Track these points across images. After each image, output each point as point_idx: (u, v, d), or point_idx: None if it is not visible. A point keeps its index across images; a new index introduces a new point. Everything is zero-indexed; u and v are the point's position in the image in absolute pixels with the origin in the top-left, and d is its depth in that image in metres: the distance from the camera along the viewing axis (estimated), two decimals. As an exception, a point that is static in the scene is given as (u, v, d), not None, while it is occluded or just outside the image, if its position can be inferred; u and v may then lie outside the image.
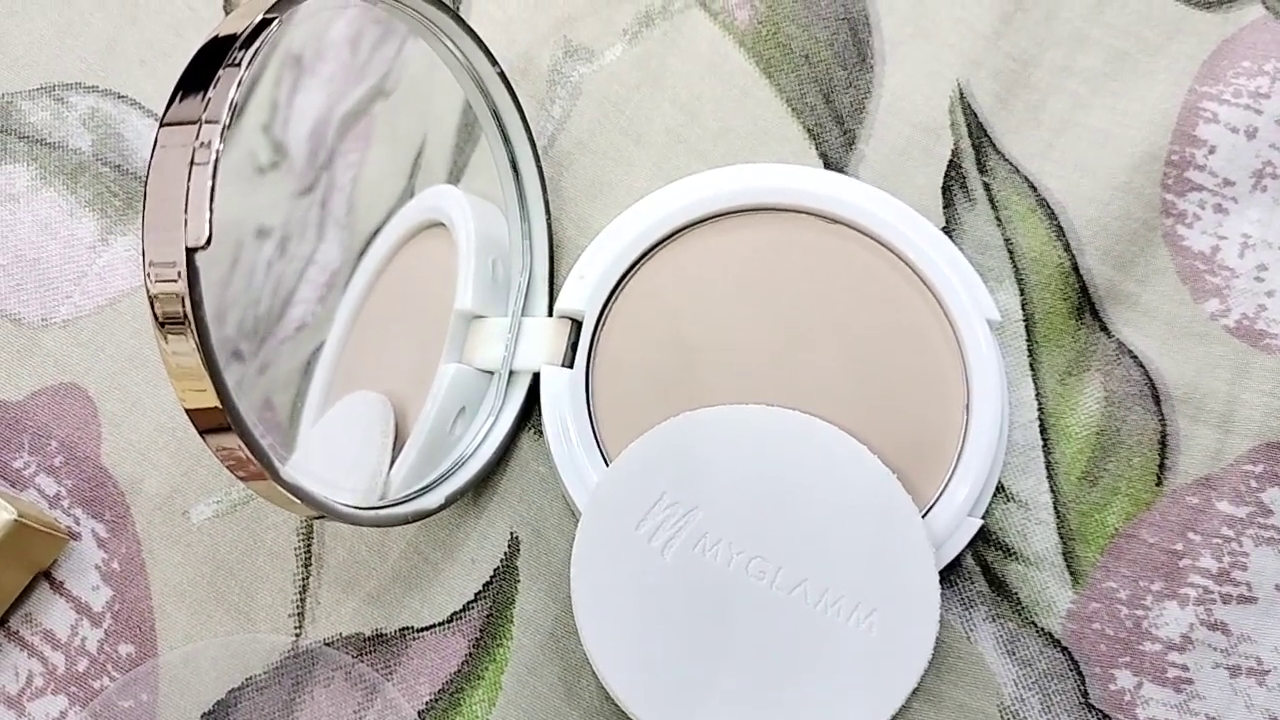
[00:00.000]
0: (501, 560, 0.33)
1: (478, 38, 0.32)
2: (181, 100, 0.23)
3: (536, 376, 0.33)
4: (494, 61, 0.32)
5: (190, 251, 0.22)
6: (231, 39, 0.24)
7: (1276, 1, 0.37)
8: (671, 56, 0.37)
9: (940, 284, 0.33)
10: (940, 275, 0.33)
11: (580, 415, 0.33)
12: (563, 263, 0.36)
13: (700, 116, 0.37)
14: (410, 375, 0.34)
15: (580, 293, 0.34)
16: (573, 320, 0.34)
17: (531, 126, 0.34)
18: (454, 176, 0.35)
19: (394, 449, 0.32)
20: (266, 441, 0.25)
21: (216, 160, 0.22)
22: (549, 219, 0.35)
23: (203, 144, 0.23)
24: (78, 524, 0.33)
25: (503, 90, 0.33)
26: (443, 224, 0.34)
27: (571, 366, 0.33)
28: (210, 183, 0.22)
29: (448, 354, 0.33)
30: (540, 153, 0.35)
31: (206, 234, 0.22)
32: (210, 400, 0.23)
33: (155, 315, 0.22)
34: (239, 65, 0.24)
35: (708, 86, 0.37)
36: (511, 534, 0.33)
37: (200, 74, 0.24)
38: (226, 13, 0.38)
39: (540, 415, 0.33)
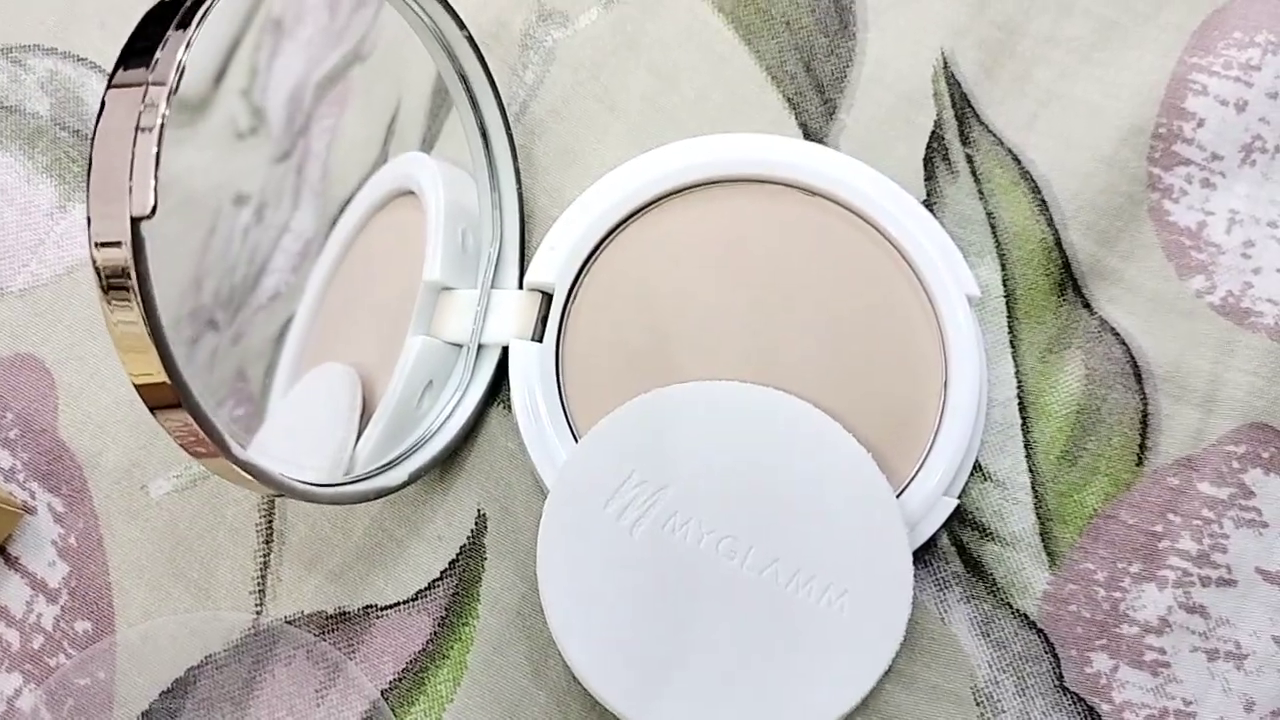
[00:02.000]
0: (468, 538, 0.32)
1: (444, 2, 0.31)
2: (128, 64, 0.23)
3: (506, 350, 0.33)
4: (461, 25, 0.31)
5: (135, 221, 0.21)
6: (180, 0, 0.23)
7: (1270, -30, 0.36)
8: (648, 21, 0.36)
9: (920, 259, 0.32)
10: (920, 250, 0.32)
11: (549, 390, 0.32)
12: (535, 233, 0.35)
13: (677, 84, 0.36)
14: (378, 347, 0.33)
15: (551, 265, 0.33)
16: (543, 293, 0.33)
17: (503, 93, 0.33)
18: (427, 144, 0.34)
19: (360, 422, 0.32)
20: (226, 414, 0.24)
21: (162, 126, 0.22)
22: (520, 188, 0.34)
23: (148, 107, 0.22)
24: (34, 498, 0.32)
25: (471, 56, 0.32)
26: (413, 192, 0.34)
27: (541, 340, 0.32)
28: (155, 149, 0.21)
29: (415, 326, 0.33)
30: (512, 120, 0.34)
31: (151, 203, 0.21)
32: (158, 375, 0.23)
33: (101, 286, 0.22)
34: (186, 27, 0.23)
35: (685, 53, 0.36)
36: (479, 511, 0.32)
37: (147, 36, 0.23)
38: None
39: (509, 390, 0.32)
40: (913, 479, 0.31)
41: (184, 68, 0.22)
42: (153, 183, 0.21)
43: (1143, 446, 0.32)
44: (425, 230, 0.33)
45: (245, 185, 0.30)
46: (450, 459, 0.33)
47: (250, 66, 0.29)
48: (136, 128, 0.22)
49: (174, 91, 0.22)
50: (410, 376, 0.32)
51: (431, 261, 0.33)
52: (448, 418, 0.33)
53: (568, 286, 0.33)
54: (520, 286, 0.34)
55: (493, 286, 0.34)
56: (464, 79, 0.32)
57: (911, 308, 0.32)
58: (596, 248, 0.33)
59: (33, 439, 0.33)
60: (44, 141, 0.35)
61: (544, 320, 0.33)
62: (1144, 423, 0.33)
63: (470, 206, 0.34)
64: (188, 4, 0.23)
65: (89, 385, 0.33)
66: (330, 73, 0.31)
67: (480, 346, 0.33)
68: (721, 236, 0.33)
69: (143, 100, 0.22)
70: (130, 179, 0.22)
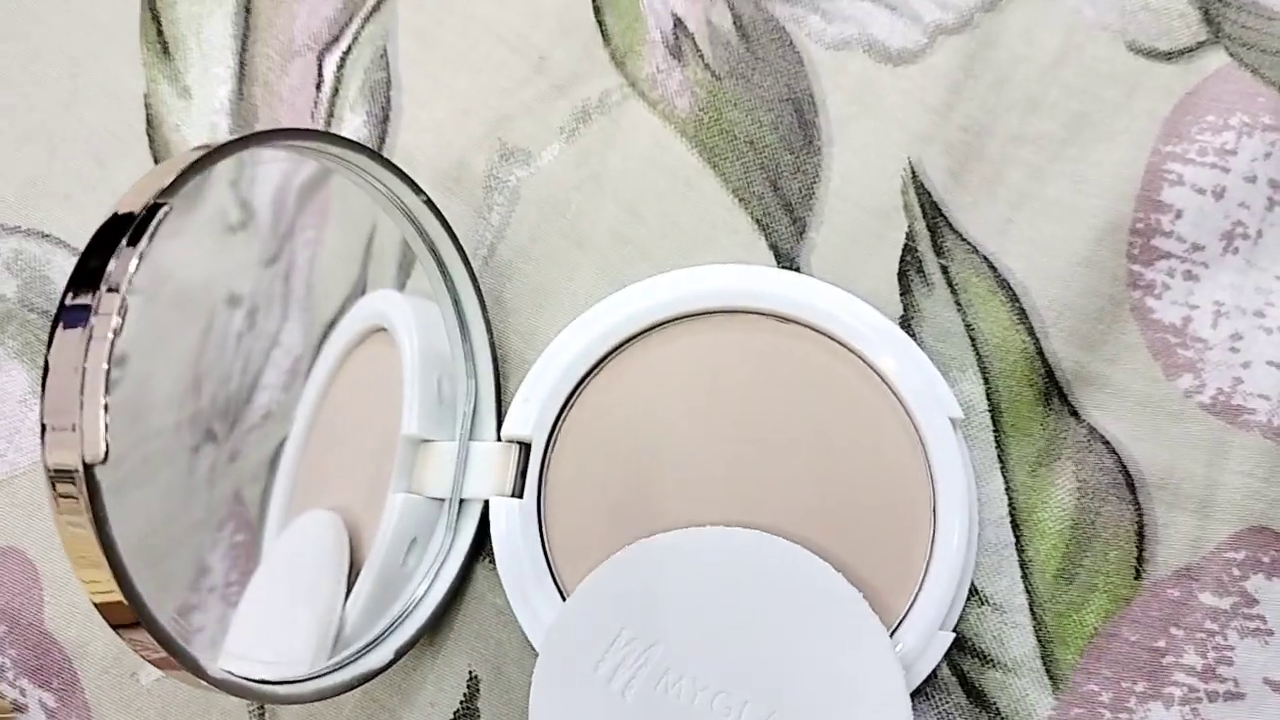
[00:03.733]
0: (461, 702, 0.32)
1: (398, 171, 0.30)
2: (78, 288, 0.22)
3: (489, 504, 0.32)
4: (418, 190, 0.31)
5: (88, 467, 0.21)
6: (129, 218, 0.23)
7: (1241, 48, 0.35)
8: (611, 152, 0.36)
9: (900, 384, 0.32)
10: (899, 374, 0.32)
11: (533, 547, 0.32)
12: (510, 378, 0.34)
13: (644, 214, 0.35)
14: (362, 497, 0.33)
15: (526, 417, 0.32)
16: (521, 444, 0.33)
17: (470, 236, 0.33)
18: (401, 273, 0.34)
19: (349, 579, 0.31)
20: (226, 541, 0.24)
21: (109, 370, 0.21)
22: (491, 338, 0.34)
23: (96, 340, 0.22)
24: (24, 695, 0.32)
25: (432, 218, 0.32)
26: (386, 330, 0.34)
27: (521, 496, 0.32)
28: (104, 395, 0.21)
29: (397, 481, 0.33)
30: (480, 264, 0.34)
31: (103, 449, 0.21)
32: (114, 593, 0.22)
33: (56, 507, 0.21)
34: (137, 242, 0.23)
35: (650, 181, 0.36)
36: (470, 673, 0.32)
37: (99, 254, 0.22)
38: (150, 137, 0.37)
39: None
40: (907, 614, 0.30)
41: (127, 308, 0.22)
42: (103, 429, 0.21)
43: (1140, 559, 0.32)
44: (401, 375, 0.33)
45: (237, 285, 0.30)
46: (438, 620, 0.32)
47: (238, 158, 0.29)
48: (83, 371, 0.21)
49: (118, 332, 0.21)
50: (394, 535, 0.32)
51: (409, 415, 0.32)
52: (433, 580, 0.32)
53: (545, 437, 0.32)
54: (499, 437, 0.33)
55: (471, 438, 0.33)
56: (425, 237, 0.32)
57: (895, 433, 0.32)
58: (571, 394, 0.33)
59: (20, 634, 0.33)
60: (13, 326, 0.35)
61: (523, 473, 0.32)
62: (1140, 534, 0.32)
63: (445, 351, 0.34)
64: (140, 217, 0.23)
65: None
66: (310, 178, 0.31)
67: (462, 501, 0.33)
68: (698, 371, 0.33)
69: (87, 342, 0.22)
70: (80, 422, 0.21)
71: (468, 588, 0.33)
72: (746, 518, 0.31)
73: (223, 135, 0.37)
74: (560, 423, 0.33)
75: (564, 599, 0.31)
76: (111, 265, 0.22)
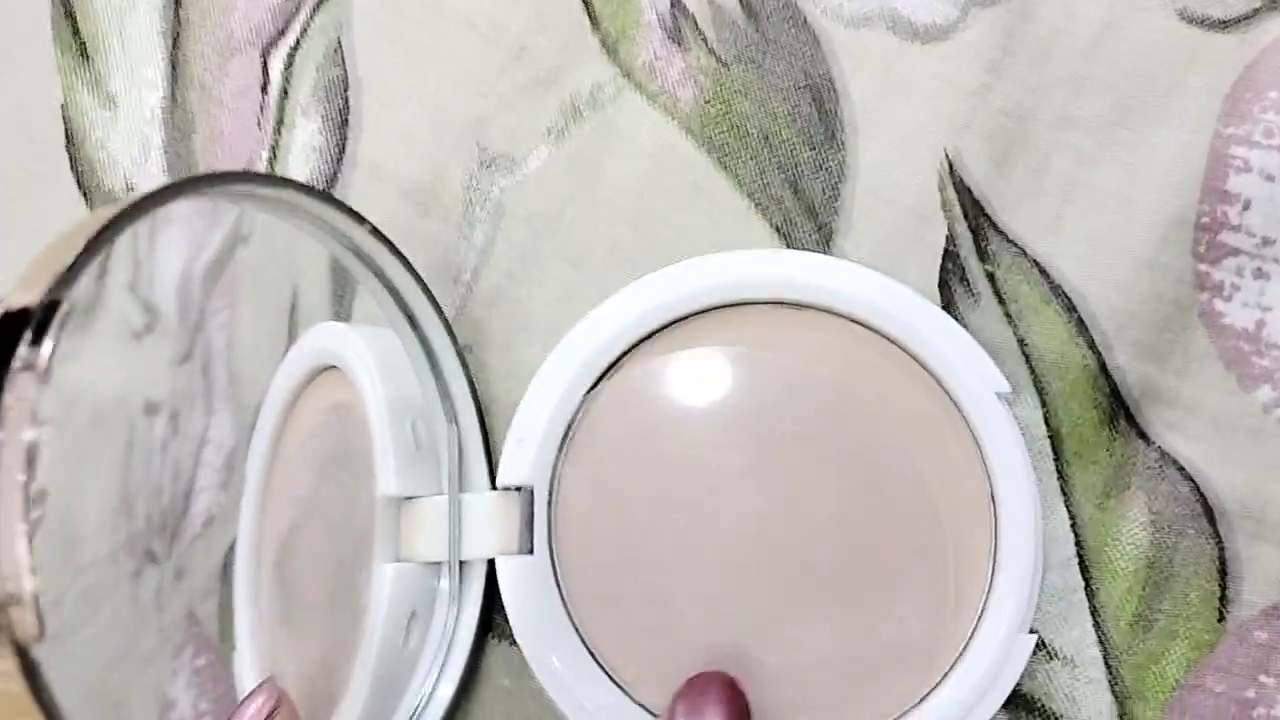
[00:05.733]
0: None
1: (333, 199, 0.26)
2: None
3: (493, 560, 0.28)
4: (361, 220, 0.26)
5: (20, 650, 0.17)
6: (23, 317, 0.18)
7: (1301, 10, 0.31)
8: (608, 156, 0.31)
9: (938, 365, 0.28)
10: (937, 355, 0.28)
11: (553, 608, 0.28)
12: (500, 417, 0.30)
13: (647, 226, 0.31)
14: (345, 578, 0.29)
15: (522, 460, 0.28)
16: (521, 491, 0.28)
17: (451, 258, 0.29)
18: (343, 312, 0.30)
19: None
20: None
21: (30, 525, 0.17)
22: (469, 375, 0.29)
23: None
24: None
25: (382, 249, 0.27)
26: (336, 367, 0.30)
27: (531, 551, 0.28)
28: (27, 565, 0.17)
29: (383, 549, 0.29)
30: (465, 290, 0.30)
31: (37, 628, 0.17)
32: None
33: None
34: (39, 341, 0.18)
35: (653, 188, 0.31)
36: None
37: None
38: (71, 156, 0.32)
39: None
40: (981, 617, 0.27)
41: (37, 445, 0.17)
42: (34, 606, 0.17)
43: (1223, 599, 0.28)
44: (367, 423, 0.29)
45: (153, 392, 0.27)
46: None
47: (132, 258, 0.27)
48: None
49: (29, 484, 0.17)
50: (389, 612, 0.28)
51: (385, 471, 0.29)
52: (445, 661, 0.28)
53: (547, 480, 0.28)
54: (493, 485, 0.29)
55: (462, 490, 0.29)
56: (380, 275, 0.28)
57: (939, 422, 0.28)
58: (570, 426, 0.29)
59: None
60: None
61: (529, 524, 0.28)
62: (1222, 570, 0.29)
63: (414, 391, 0.29)
64: (37, 317, 0.18)
65: None
66: (215, 258, 0.28)
67: (462, 563, 0.29)
68: (712, 381, 0.29)
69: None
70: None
71: (483, 663, 0.29)
72: (787, 543, 0.28)
73: (155, 149, 0.32)
74: (561, 461, 0.28)
75: (598, 664, 0.27)
76: (7, 399, 0.17)
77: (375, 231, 0.27)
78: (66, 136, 0.32)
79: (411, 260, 0.28)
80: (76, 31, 0.33)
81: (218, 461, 0.28)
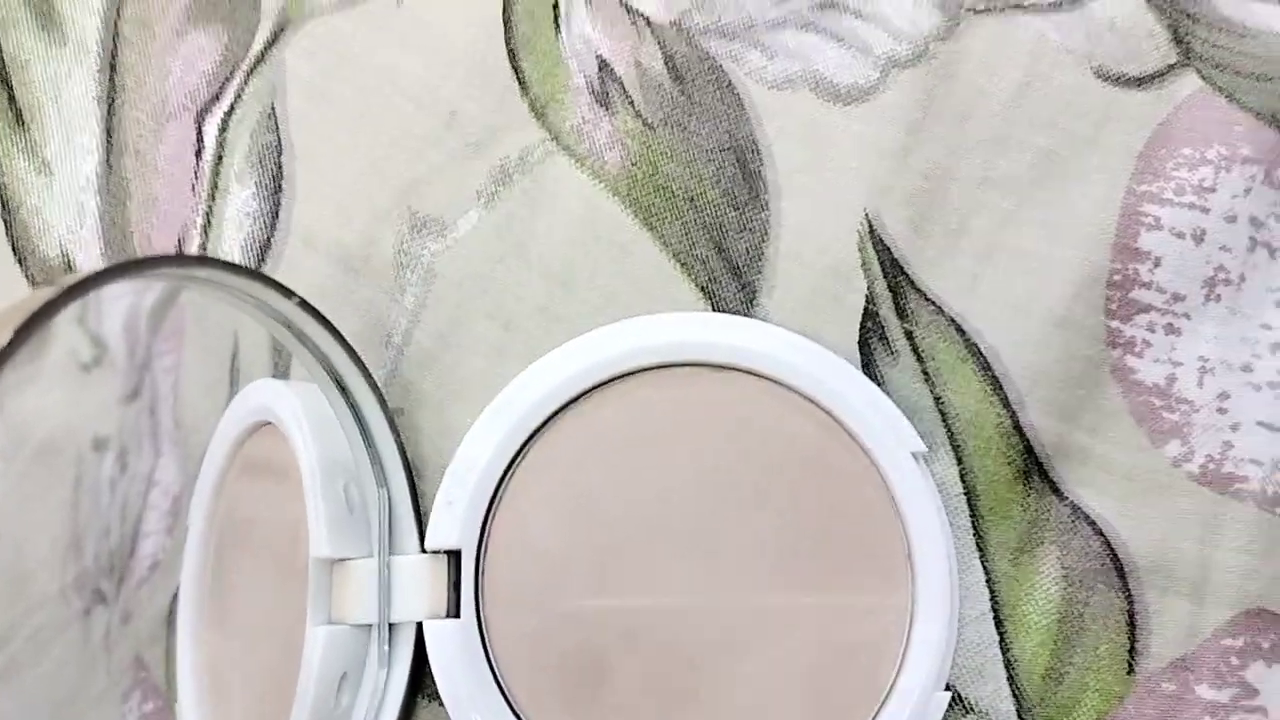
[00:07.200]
0: None
1: (261, 275, 0.26)
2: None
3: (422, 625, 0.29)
4: (289, 294, 0.27)
5: None
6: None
7: (1213, 70, 0.32)
8: (537, 219, 0.32)
9: (854, 424, 0.29)
10: (853, 414, 0.29)
11: (479, 672, 0.28)
12: (432, 479, 0.31)
13: (575, 287, 0.32)
14: (280, 635, 0.30)
15: (451, 524, 0.29)
16: (450, 554, 0.29)
17: (382, 322, 0.30)
18: (279, 372, 0.31)
19: None
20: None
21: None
22: (398, 439, 0.30)
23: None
24: None
25: (310, 320, 0.28)
26: (273, 424, 0.30)
27: (458, 614, 0.29)
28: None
29: (315, 611, 0.29)
30: (395, 353, 0.31)
31: None
32: None
33: None
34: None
35: (582, 250, 0.32)
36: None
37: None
38: (6, 222, 0.33)
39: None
40: (899, 671, 0.28)
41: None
42: None
43: (1132, 651, 0.29)
44: (300, 479, 0.29)
45: (101, 427, 0.27)
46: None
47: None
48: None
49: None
50: (320, 674, 0.28)
51: (317, 533, 0.29)
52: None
53: (475, 543, 0.29)
54: (423, 548, 0.30)
55: (392, 553, 0.30)
56: (311, 347, 0.28)
57: (857, 479, 0.29)
58: (498, 489, 0.29)
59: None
60: None
61: (456, 587, 0.29)
62: (1131, 623, 0.30)
63: (347, 454, 0.30)
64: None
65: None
66: (161, 297, 0.29)
67: (392, 625, 0.29)
68: (636, 438, 0.30)
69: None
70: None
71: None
72: (715, 596, 0.28)
73: (91, 215, 0.32)
74: (490, 523, 0.29)
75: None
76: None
77: (304, 304, 0.27)
78: (1, 203, 0.33)
79: (343, 324, 0.29)
80: (13, 99, 0.33)
81: (164, 505, 0.29)
